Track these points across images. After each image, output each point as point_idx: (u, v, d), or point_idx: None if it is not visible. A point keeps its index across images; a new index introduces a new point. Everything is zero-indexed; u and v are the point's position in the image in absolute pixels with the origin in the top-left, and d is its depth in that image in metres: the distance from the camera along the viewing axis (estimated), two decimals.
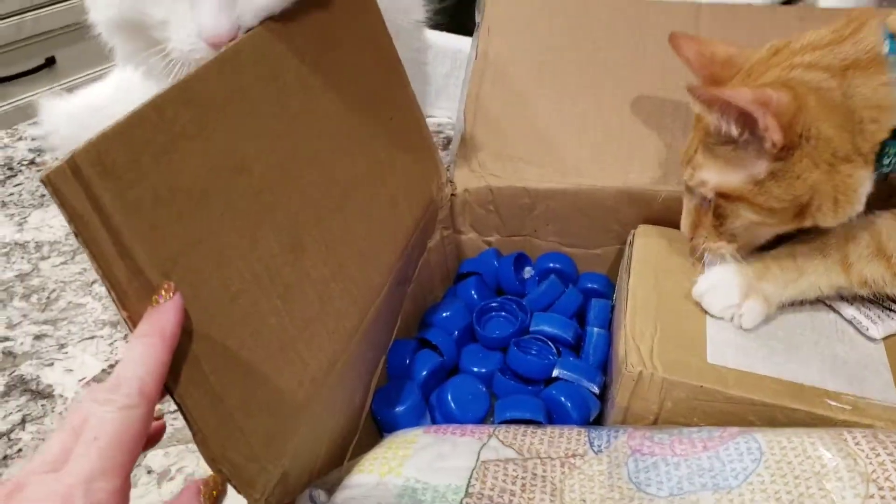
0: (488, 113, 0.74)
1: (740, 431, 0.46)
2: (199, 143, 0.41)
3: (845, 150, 0.49)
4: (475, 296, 0.67)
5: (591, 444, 0.50)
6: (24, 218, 0.98)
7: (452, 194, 0.70)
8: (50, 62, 2.03)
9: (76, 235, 0.35)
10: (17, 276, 0.88)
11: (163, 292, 0.37)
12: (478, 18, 0.82)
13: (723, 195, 0.53)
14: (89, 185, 0.35)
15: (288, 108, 0.49)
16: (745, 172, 0.52)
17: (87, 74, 2.09)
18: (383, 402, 0.56)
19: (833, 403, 0.49)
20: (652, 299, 0.56)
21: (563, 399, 0.55)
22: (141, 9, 0.54)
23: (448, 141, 1.20)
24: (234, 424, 0.40)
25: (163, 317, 0.36)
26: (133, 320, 0.36)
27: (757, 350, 0.53)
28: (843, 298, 0.56)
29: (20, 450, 0.72)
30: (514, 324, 0.63)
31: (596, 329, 0.61)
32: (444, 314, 0.64)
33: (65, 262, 0.89)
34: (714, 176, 0.53)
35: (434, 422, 0.56)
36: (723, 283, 0.55)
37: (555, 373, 0.57)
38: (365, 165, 0.57)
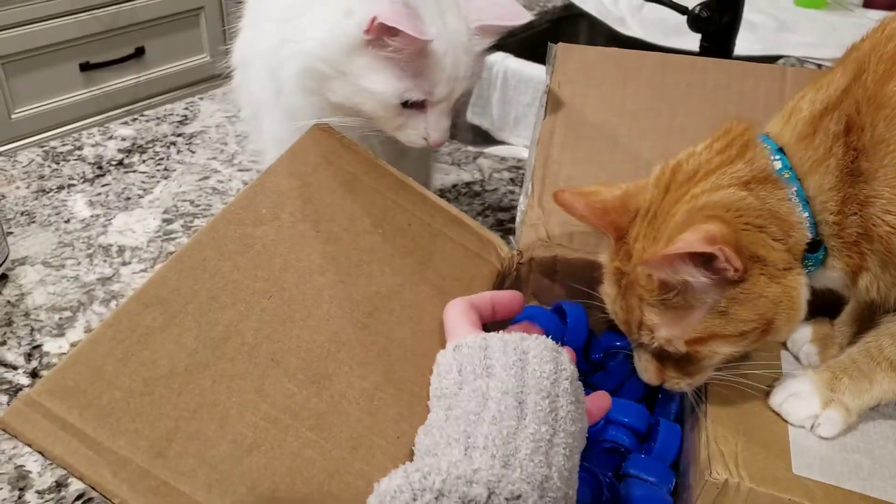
0: (557, 178, 0.73)
1: None
2: (171, 331, 0.47)
3: (785, 261, 0.51)
4: None
5: None
6: (109, 220, 0.96)
7: (519, 262, 0.69)
8: (139, 52, 2.12)
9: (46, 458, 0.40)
10: (98, 280, 0.86)
11: None
12: (547, 72, 0.79)
13: (693, 341, 0.52)
14: (49, 411, 0.40)
15: (272, 263, 0.54)
16: (702, 310, 0.51)
17: (174, 66, 2.22)
18: None
19: None
20: (732, 400, 0.56)
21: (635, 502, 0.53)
22: (383, 114, 0.67)
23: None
24: None
25: None
26: None
27: (841, 463, 0.52)
28: None
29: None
30: None
31: (667, 421, 0.59)
32: None
33: (144, 270, 0.88)
34: (675, 328, 0.52)
35: None
36: (801, 392, 0.55)
37: (627, 469, 0.56)
38: (390, 274, 0.59)
